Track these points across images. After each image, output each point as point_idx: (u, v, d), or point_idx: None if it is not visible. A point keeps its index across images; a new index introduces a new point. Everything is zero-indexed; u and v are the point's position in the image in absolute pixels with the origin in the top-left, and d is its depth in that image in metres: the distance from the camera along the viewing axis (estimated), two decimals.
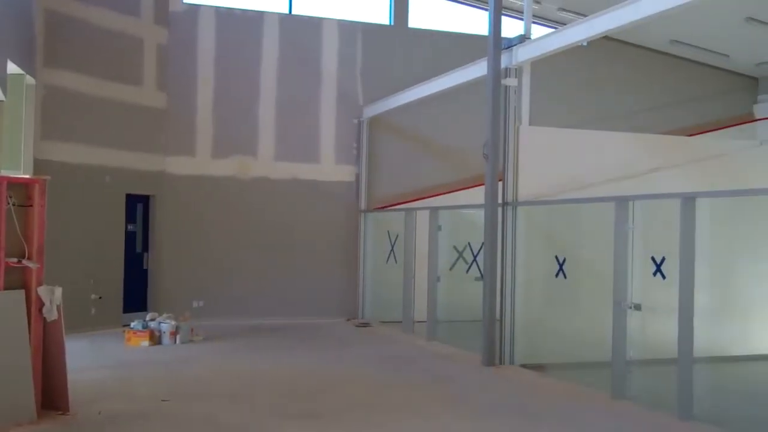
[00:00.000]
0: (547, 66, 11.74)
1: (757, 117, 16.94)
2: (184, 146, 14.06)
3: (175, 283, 13.83)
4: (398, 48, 15.21)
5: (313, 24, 14.77)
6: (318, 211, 14.64)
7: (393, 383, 9.22)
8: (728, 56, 16.07)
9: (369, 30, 15.12)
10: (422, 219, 12.86)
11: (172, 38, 13.99)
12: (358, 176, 14.87)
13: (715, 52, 15.91)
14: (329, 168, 14.78)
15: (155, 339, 11.60)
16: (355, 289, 14.83)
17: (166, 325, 11.71)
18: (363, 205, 14.85)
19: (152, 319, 11.84)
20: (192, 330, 12.03)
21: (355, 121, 14.89)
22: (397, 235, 13.61)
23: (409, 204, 14.37)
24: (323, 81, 14.78)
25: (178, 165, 14.00)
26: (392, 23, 15.46)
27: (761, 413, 8.30)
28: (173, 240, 13.91)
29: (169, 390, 8.62)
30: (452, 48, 14.71)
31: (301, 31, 14.69)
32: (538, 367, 10.15)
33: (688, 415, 7.60)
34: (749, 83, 17.13)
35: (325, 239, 14.69)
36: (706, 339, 8.05)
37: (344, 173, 14.86)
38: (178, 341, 11.69)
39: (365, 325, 14.12)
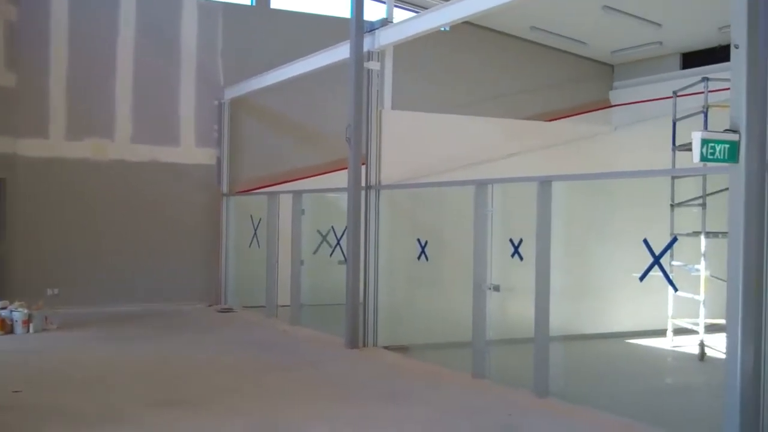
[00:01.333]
0: (411, 50, 11.76)
1: (613, 103, 17.57)
2: (36, 128, 13.35)
3: (28, 271, 13.15)
4: (260, 29, 14.90)
5: (172, 2, 14.30)
6: (178, 195, 14.22)
7: (257, 369, 9.08)
8: (586, 43, 16.56)
9: (230, 10, 14.75)
10: (285, 203, 12.72)
11: (21, 15, 13.25)
12: (219, 159, 14.53)
13: (573, 39, 16.36)
14: (190, 151, 14.37)
15: (7, 328, 11.05)
16: (218, 274, 14.52)
17: (18, 313, 11.17)
18: (225, 188, 14.54)
19: (3, 308, 11.26)
20: (46, 318, 11.51)
21: (216, 102, 14.54)
22: (260, 219, 13.40)
23: (272, 187, 14.17)
24: (183, 61, 14.33)
25: (30, 147, 13.29)
26: (254, 3, 15.14)
27: (613, 388, 8.61)
28: (26, 225, 13.22)
29: (20, 380, 8.20)
30: (315, 30, 14.53)
31: (159, 9, 14.20)
32: (401, 349, 10.22)
33: (545, 392, 7.80)
34: (605, 70, 17.71)
35: (186, 224, 14.30)
36: (562, 318, 8.29)
37: (205, 156, 14.48)
38: (31, 330, 11.16)
39: (228, 310, 13.87)
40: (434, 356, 9.67)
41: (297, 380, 8.55)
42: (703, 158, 5.55)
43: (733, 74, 5.75)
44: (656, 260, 7.06)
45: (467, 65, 16.12)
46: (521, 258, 8.32)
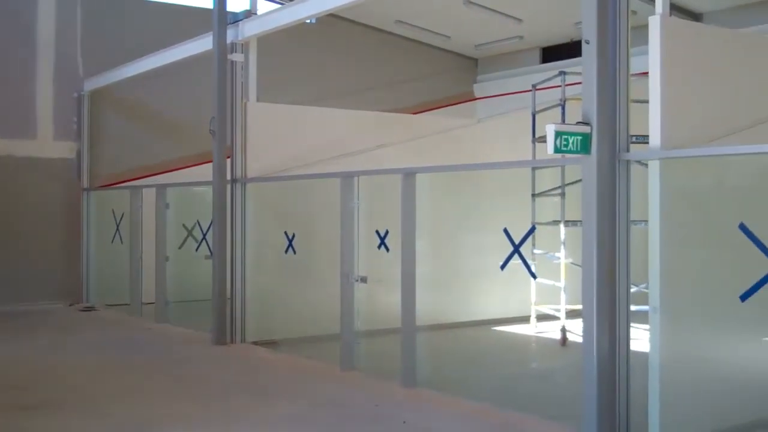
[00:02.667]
0: (278, 42, 11.66)
1: (477, 96, 17.93)
2: None
3: None
4: (123, 19, 14.41)
5: None
6: (35, 190, 13.60)
7: (119, 369, 8.82)
8: (450, 37, 16.82)
9: None
10: (149, 197, 12.40)
11: None
12: (79, 152, 14.01)
13: (437, 33, 16.59)
14: (47, 144, 13.77)
15: None
16: (79, 272, 14.00)
17: None
18: (85, 182, 14.03)
19: None
20: None
21: (75, 94, 14.01)
22: (123, 214, 13.02)
23: (135, 181, 13.77)
24: (40, 50, 13.70)
25: None
26: None
27: (479, 375, 8.81)
28: None
29: None
30: (180, 20, 14.19)
31: None
32: (270, 344, 10.14)
33: (412, 382, 7.89)
34: (469, 63, 18.05)
35: (44, 220, 13.70)
36: (430, 308, 8.41)
37: (64, 150, 13.91)
38: None
39: (90, 309, 13.39)
40: (304, 350, 9.65)
41: (161, 379, 8.35)
42: (557, 150, 5.71)
43: (584, 69, 5.96)
44: (516, 249, 7.25)
45: (334, 58, 16.09)
46: (387, 249, 8.39)
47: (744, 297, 5.49)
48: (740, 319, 5.90)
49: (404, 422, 6.70)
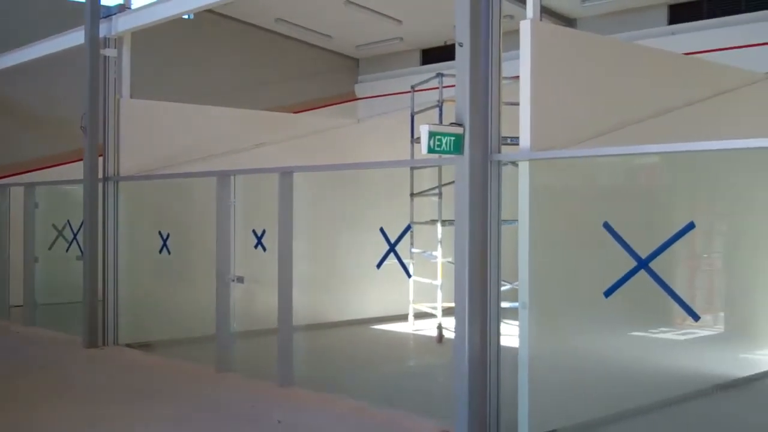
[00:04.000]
0: (154, 37, 11.38)
1: (358, 96, 18.02)
2: None
3: None
4: None
5: None
6: None
7: None
8: (331, 37, 16.85)
9: None
10: (17, 195, 11.92)
11: None
12: None
13: (318, 32, 16.59)
14: None
15: None
16: None
17: None
18: None
19: None
20: None
21: None
22: None
23: (2, 180, 13.19)
24: None
25: None
26: None
27: (357, 374, 8.84)
28: None
29: None
30: (53, 12, 13.69)
31: None
32: (144, 346, 9.90)
33: (289, 382, 7.86)
34: (351, 64, 18.13)
35: None
36: (308, 308, 8.40)
37: None
38: None
39: None
40: (179, 352, 9.47)
41: (29, 385, 8.03)
42: (431, 150, 5.79)
43: (457, 71, 6.06)
44: (392, 248, 7.33)
45: (213, 55, 15.86)
46: (264, 249, 8.33)
47: (608, 293, 5.70)
48: (604, 314, 6.12)
49: (279, 422, 6.67)
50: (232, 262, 8.59)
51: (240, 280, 8.50)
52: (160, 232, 9.68)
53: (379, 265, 7.50)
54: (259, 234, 8.37)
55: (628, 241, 5.62)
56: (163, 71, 14.66)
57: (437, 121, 9.76)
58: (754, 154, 7.00)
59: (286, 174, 7.90)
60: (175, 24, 10.13)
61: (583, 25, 14.66)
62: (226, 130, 11.51)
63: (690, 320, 6.85)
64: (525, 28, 6.08)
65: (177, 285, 10.14)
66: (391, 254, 7.46)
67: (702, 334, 7.61)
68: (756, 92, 8.40)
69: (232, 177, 8.60)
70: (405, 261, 9.29)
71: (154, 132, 10.53)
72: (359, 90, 17.95)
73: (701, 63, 8.54)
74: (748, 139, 5.56)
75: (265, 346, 8.35)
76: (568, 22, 14.75)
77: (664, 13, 14.10)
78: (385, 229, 8.27)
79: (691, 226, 5.48)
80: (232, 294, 8.60)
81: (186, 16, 9.54)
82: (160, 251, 9.67)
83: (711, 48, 11.98)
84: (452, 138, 5.91)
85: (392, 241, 7.38)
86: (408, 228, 8.45)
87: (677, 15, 13.94)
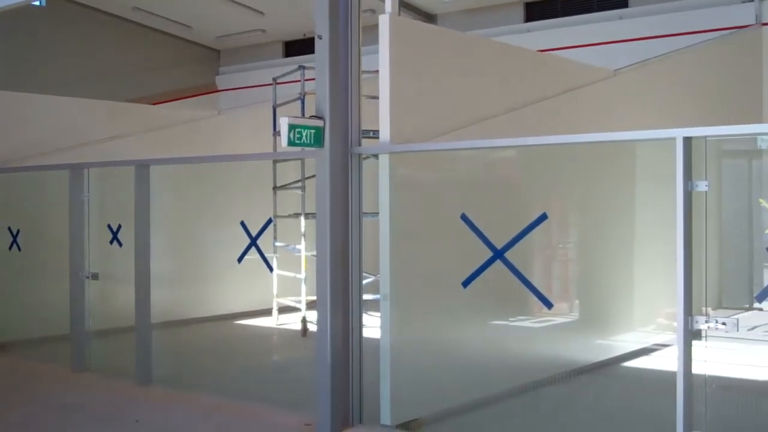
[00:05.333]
0: (4, 25, 10.85)
1: (219, 88, 17.73)
2: None
3: None
4: None
5: None
6: None
7: None
8: (191, 27, 16.50)
9: None
10: None
11: None
12: None
13: (177, 22, 16.21)
14: None
15: None
16: None
17: None
18: None
19: None
20: None
21: None
22: None
23: None
24: None
25: None
26: None
27: (219, 370, 8.69)
28: None
29: None
30: None
31: None
32: None
33: (148, 380, 7.67)
34: (212, 55, 17.81)
35: None
36: (167, 304, 8.20)
37: None
38: None
39: None
40: (33, 352, 9.09)
41: None
42: (291, 143, 5.75)
43: (317, 64, 6.05)
44: (253, 242, 7.25)
45: (66, 43, 15.23)
46: (121, 244, 8.08)
47: (465, 283, 5.82)
48: (463, 304, 6.26)
49: (137, 421, 6.50)
50: (87, 259, 8.29)
51: (95, 276, 8.21)
52: (9, 228, 9.23)
53: (239, 260, 7.41)
54: (114, 229, 8.11)
55: (484, 233, 5.75)
56: (16, 60, 13.98)
57: (300, 114, 9.72)
58: (604, 148, 7.31)
59: (142, 167, 7.68)
60: (26, 12, 9.69)
61: (443, 21, 14.92)
62: (79, 122, 11.10)
63: (551, 309, 7.10)
64: (383, 22, 6.13)
65: (29, 283, 9.69)
66: (253, 248, 7.38)
67: (558, 322, 7.89)
68: (605, 88, 8.76)
69: (85, 170, 8.29)
70: (268, 255, 9.23)
71: (3, 123, 10.04)
72: (221, 82, 17.67)
73: (555, 60, 8.84)
74: (597, 134, 5.80)
75: (123, 345, 8.12)
76: (429, 17, 14.98)
77: (520, 11, 14.53)
78: (247, 223, 8.16)
79: (543, 217, 5.67)
80: (87, 291, 8.30)
81: (37, 3, 9.10)
82: (10, 248, 9.23)
83: (565, 45, 12.44)
84: (312, 131, 5.89)
85: (253, 235, 7.30)
86: (269, 221, 8.38)
87: (533, 13, 14.40)
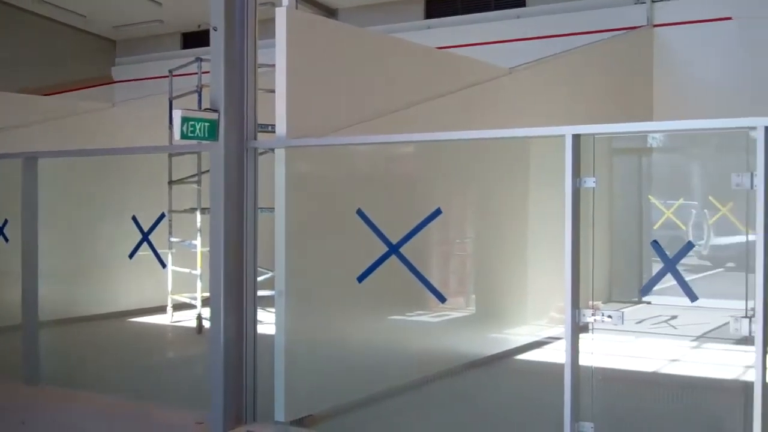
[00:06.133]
0: None
1: (115, 79, 17.29)
2: None
3: None
4: None
5: None
6: None
7: None
8: (85, 17, 16.04)
9: None
10: None
11: None
12: None
13: (71, 11, 15.73)
14: None
15: None
16: None
17: None
18: None
19: None
20: None
21: None
22: None
23: None
24: None
25: None
26: None
27: (112, 369, 8.49)
28: None
29: None
30: None
31: None
32: None
33: (36, 379, 7.40)
34: (108, 45, 17.35)
35: None
36: (57, 302, 7.96)
37: None
38: None
39: None
40: None
41: None
42: (184, 135, 5.64)
43: (212, 56, 5.95)
44: (145, 237, 7.09)
45: None
46: (7, 240, 7.79)
47: (360, 278, 5.83)
48: (359, 299, 6.27)
49: (23, 423, 6.28)
50: None
51: None
52: None
53: (131, 255, 7.23)
54: (0, 224, 7.81)
55: (380, 228, 5.76)
56: None
57: (197, 107, 9.55)
58: (499, 144, 7.43)
59: (30, 159, 7.40)
60: None
61: (344, 17, 14.92)
62: None
63: (445, 303, 7.16)
64: (280, 15, 6.08)
65: None
66: (145, 244, 7.21)
67: (454, 316, 8.00)
68: (501, 86, 8.90)
69: None
70: (163, 251, 9.05)
71: None
72: (116, 73, 17.23)
73: (453, 57, 8.92)
74: (490, 130, 5.89)
75: (10, 344, 7.82)
76: (330, 12, 14.95)
77: (421, 8, 14.65)
78: (142, 218, 7.97)
79: (437, 212, 5.72)
80: None
81: None
82: None
83: (464, 43, 12.60)
84: (207, 124, 5.79)
85: (146, 230, 7.13)
86: (162, 216, 8.19)
87: (433, 10, 14.54)
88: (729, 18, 11.83)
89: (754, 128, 4.20)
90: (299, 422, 5.98)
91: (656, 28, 12.41)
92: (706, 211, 11.38)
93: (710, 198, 11.20)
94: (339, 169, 6.59)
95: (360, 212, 5.84)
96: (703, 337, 9.02)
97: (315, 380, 6.15)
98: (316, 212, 6.27)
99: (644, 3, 12.46)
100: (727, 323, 4.34)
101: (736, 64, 11.75)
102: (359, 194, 6.34)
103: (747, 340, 4.28)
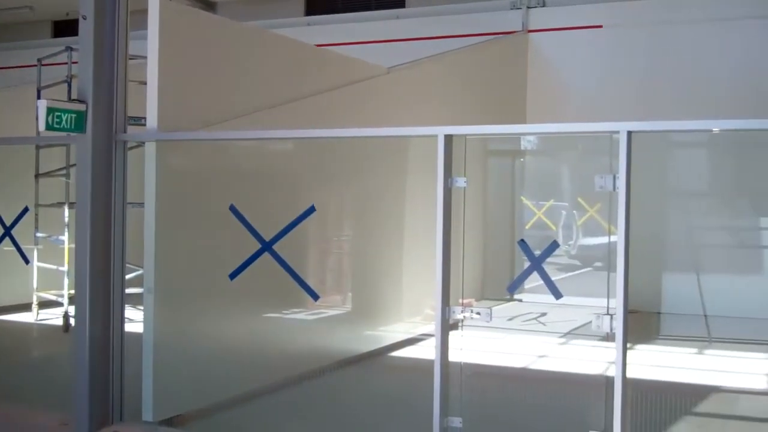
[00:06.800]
0: None
1: None
2: None
3: None
4: None
5: None
6: None
7: None
8: None
9: None
10: None
11: None
12: None
13: None
14: None
15: None
16: None
17: None
18: None
19: None
20: None
21: None
22: None
23: None
24: None
25: None
26: None
27: None
28: None
29: None
30: None
31: None
32: None
33: None
34: None
35: None
36: None
37: None
38: None
39: None
40: None
41: None
42: (49, 127, 5.44)
43: (81, 45, 5.76)
44: (7, 232, 6.80)
45: None
46: None
47: (233, 275, 5.75)
48: (230, 297, 6.19)
49: None
50: None
51: None
52: None
53: None
54: None
55: (254, 224, 5.70)
56: None
57: (66, 98, 9.22)
58: (375, 143, 7.49)
59: None
60: None
61: (223, 10, 14.71)
62: None
63: (320, 301, 7.17)
64: (153, 6, 5.94)
65: None
66: (8, 239, 6.91)
67: (330, 314, 8.01)
68: (379, 85, 8.96)
69: None
70: (29, 246, 8.71)
71: None
72: None
73: (332, 54, 8.92)
74: (364, 129, 5.92)
75: None
76: (209, 5, 14.70)
77: (301, 5, 14.60)
78: (4, 212, 7.64)
79: (311, 209, 5.71)
80: None
81: None
82: None
83: (343, 41, 12.61)
84: (73, 115, 5.59)
85: (8, 224, 6.83)
86: (25, 210, 7.86)
87: (314, 7, 14.51)
88: (600, 26, 12.26)
89: (617, 132, 4.34)
90: (168, 422, 5.86)
91: (531, 34, 12.74)
92: (575, 212, 11.78)
93: (579, 199, 11.59)
94: (213, 164, 6.49)
95: (233, 208, 5.76)
96: (570, 334, 9.32)
97: (185, 379, 6.03)
98: (188, 208, 6.15)
99: (520, 9, 12.77)
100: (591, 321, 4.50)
101: (605, 70, 12.20)
102: (233, 190, 6.25)
103: (609, 337, 4.44)
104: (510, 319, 10.09)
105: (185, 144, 6.08)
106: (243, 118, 6.67)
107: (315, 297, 5.92)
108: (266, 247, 5.60)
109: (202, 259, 6.18)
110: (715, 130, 6.01)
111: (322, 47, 9.70)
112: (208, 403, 6.29)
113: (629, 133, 4.29)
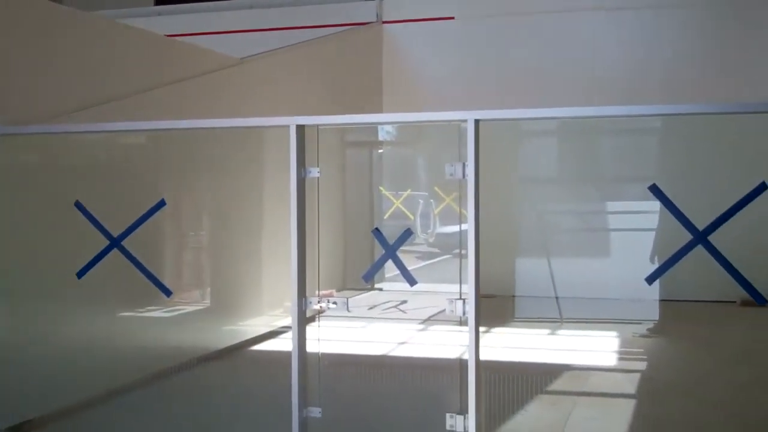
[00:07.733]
0: None
1: None
2: None
3: None
4: None
5: None
6: None
7: None
8: None
9: None
10: None
11: None
12: None
13: None
14: None
15: None
16: None
17: None
18: None
19: None
20: None
21: None
22: None
23: None
24: None
25: None
26: None
27: None
28: None
29: None
30: None
31: None
32: None
33: None
34: None
35: None
36: None
37: None
38: None
39: None
40: None
41: None
42: None
43: None
44: None
45: None
46: None
47: (80, 274, 5.54)
48: (79, 297, 5.96)
49: None
50: None
51: None
52: None
53: None
54: None
55: (101, 221, 5.50)
56: None
57: None
58: (231, 134, 7.36)
59: None
60: None
61: (71, 0, 14.14)
62: None
63: (177, 297, 7.01)
64: None
65: None
66: None
67: (188, 310, 7.85)
68: (232, 76, 8.83)
69: None
70: None
71: None
72: None
73: (182, 45, 8.72)
74: (218, 120, 5.82)
75: None
76: None
77: None
78: None
79: (161, 203, 5.55)
80: None
81: None
82: None
83: (195, 32, 12.35)
84: None
85: None
86: None
87: None
88: (452, 18, 12.49)
89: (464, 121, 4.43)
90: (16, 429, 5.61)
91: (385, 25, 12.85)
92: (432, 201, 11.99)
93: (436, 188, 11.79)
94: (56, 159, 6.23)
95: (78, 204, 5.54)
96: (429, 320, 9.48)
97: (32, 384, 5.78)
98: (29, 205, 5.87)
99: (374, 0, 12.85)
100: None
101: (456, 60, 12.45)
102: (79, 186, 6.01)
103: (463, 321, 4.53)
104: (371, 308, 10.17)
105: (28, 138, 5.81)
106: (90, 110, 6.44)
107: (167, 293, 5.76)
108: (115, 243, 5.41)
109: (46, 257, 5.93)
110: (560, 117, 6.22)
111: (173, 37, 9.48)
112: (62, 405, 6.04)
113: (476, 121, 4.38)
